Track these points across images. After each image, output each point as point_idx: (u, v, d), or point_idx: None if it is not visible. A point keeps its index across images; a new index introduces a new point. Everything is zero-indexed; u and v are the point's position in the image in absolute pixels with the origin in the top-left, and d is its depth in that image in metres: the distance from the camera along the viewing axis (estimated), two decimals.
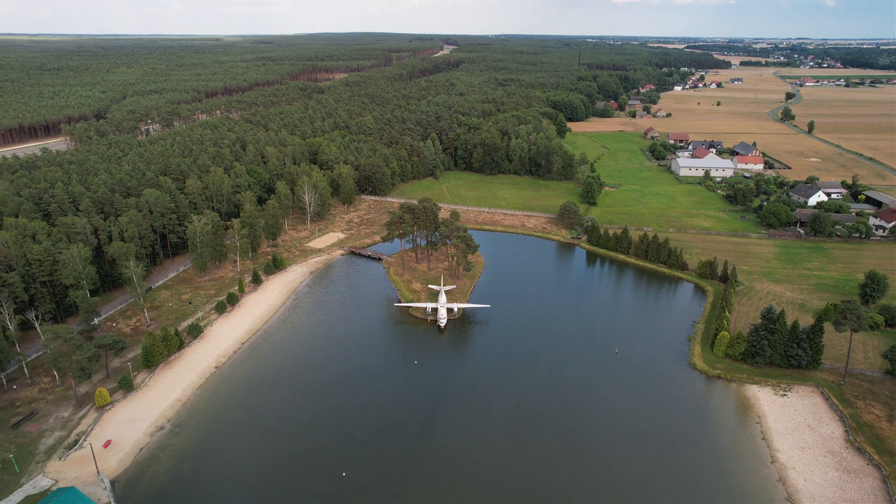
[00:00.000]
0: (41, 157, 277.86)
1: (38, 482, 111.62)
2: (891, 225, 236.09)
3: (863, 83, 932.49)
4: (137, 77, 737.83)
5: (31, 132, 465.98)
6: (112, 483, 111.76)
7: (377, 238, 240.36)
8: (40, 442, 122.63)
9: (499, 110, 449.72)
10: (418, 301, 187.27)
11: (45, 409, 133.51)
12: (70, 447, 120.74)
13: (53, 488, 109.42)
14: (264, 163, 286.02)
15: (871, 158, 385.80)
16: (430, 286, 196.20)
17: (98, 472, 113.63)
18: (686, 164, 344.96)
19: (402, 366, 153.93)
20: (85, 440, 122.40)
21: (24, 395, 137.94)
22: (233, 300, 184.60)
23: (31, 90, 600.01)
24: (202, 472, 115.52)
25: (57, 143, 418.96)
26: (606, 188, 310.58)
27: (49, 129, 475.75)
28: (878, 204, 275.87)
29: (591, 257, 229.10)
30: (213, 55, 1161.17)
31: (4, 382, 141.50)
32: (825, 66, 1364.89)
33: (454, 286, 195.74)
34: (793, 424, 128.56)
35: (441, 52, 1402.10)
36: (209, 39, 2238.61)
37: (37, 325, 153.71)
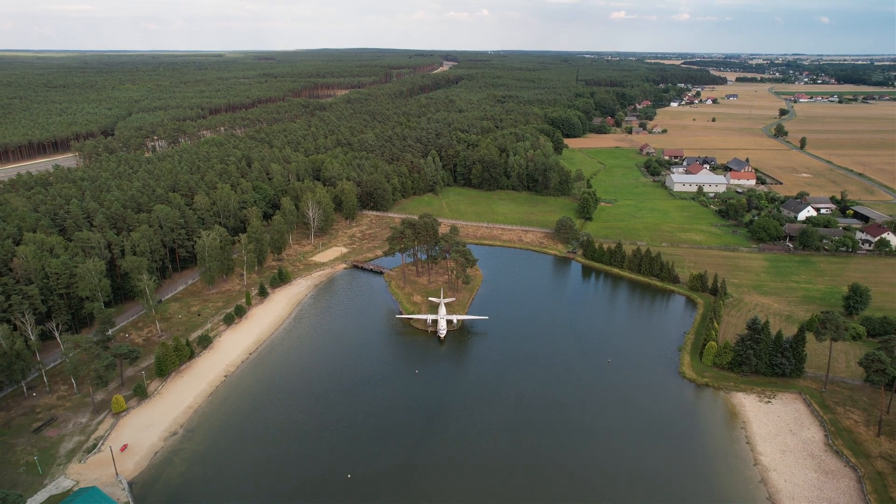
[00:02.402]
0: (54, 174, 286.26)
1: (61, 483, 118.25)
2: (876, 239, 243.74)
3: (856, 99, 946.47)
4: (142, 94, 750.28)
5: (39, 148, 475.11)
6: (130, 484, 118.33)
7: (379, 252, 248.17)
8: (61, 446, 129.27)
9: (497, 127, 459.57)
10: (419, 313, 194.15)
11: (63, 415, 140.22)
12: (89, 450, 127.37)
13: (75, 489, 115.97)
14: (269, 179, 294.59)
15: (860, 174, 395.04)
16: (430, 299, 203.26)
17: (117, 474, 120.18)
18: (680, 180, 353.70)
19: (403, 374, 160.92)
20: (103, 444, 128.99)
21: (43, 402, 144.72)
22: (240, 312, 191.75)
23: (38, 107, 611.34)
24: (214, 475, 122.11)
25: (66, 160, 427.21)
26: (602, 203, 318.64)
27: (57, 146, 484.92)
28: (865, 219, 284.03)
29: (587, 271, 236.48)
30: (216, 71, 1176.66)
31: (25, 390, 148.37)
32: (820, 81, 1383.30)
33: (453, 299, 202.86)
34: (776, 429, 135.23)
35: (441, 69, 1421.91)
36: (211, 55, 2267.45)
37: (57, 335, 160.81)
